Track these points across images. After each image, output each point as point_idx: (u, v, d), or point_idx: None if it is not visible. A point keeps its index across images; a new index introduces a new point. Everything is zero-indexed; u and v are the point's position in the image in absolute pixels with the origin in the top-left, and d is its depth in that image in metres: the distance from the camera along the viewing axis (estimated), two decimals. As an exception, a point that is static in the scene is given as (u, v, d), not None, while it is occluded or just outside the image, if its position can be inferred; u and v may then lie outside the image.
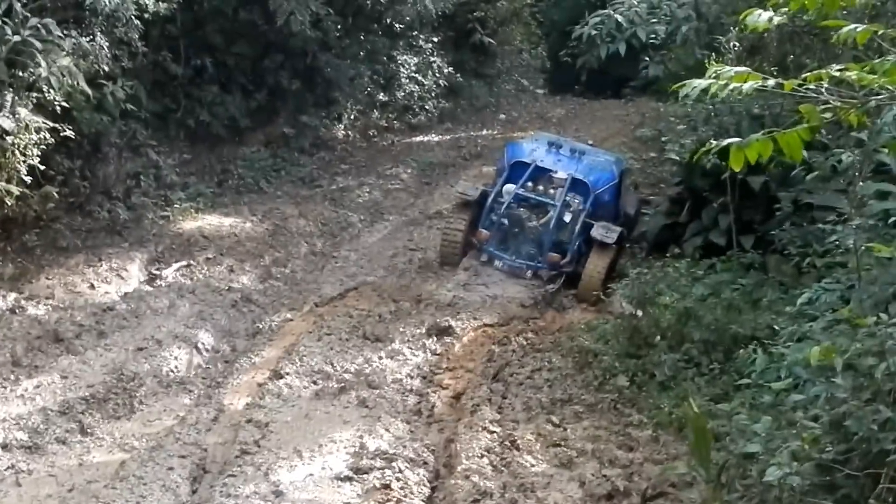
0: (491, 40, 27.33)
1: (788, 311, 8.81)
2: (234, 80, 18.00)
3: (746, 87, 4.76)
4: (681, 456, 8.03)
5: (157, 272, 13.37)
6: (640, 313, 10.52)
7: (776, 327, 8.95)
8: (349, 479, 8.20)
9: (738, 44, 15.26)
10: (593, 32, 15.65)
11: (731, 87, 4.77)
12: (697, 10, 15.16)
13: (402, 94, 23.73)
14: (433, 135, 23.72)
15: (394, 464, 8.36)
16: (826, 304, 7.92)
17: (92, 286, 12.50)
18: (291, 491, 8.00)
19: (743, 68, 4.83)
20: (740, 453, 6.24)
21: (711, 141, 4.95)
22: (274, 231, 15.42)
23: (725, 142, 4.72)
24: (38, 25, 11.50)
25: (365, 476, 8.20)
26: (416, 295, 12.89)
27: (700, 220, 13.03)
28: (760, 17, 5.14)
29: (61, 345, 10.89)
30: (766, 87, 4.82)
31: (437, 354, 11.09)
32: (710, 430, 6.89)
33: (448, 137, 23.56)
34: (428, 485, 8.28)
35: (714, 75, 4.87)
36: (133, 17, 13.49)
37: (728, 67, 4.84)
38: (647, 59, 18.09)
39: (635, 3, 15.67)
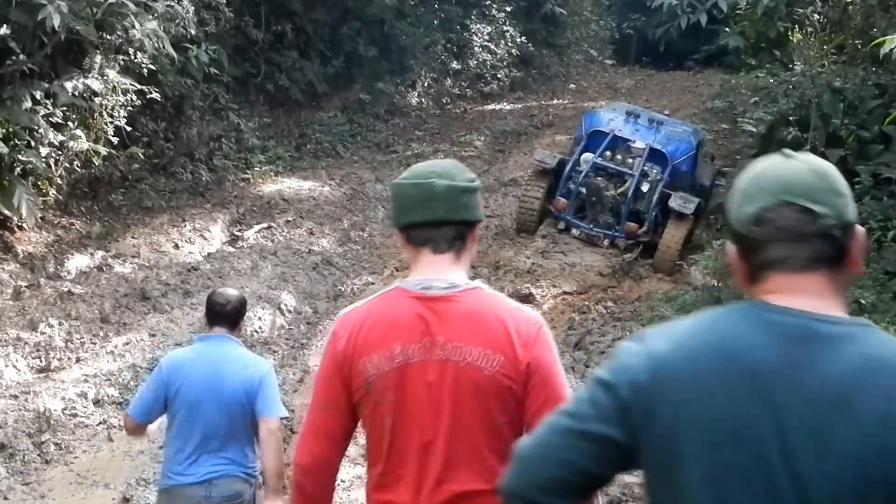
0: (562, 10, 27.26)
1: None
2: (313, 46, 18.16)
3: None
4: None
5: (239, 233, 13.47)
6: (720, 285, 10.41)
7: (862, 301, 8.90)
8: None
9: (819, 16, 15.07)
10: (674, 2, 15.47)
11: None
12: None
13: (475, 62, 23.85)
14: (505, 103, 23.71)
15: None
16: None
17: (176, 246, 12.57)
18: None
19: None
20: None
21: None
22: (352, 195, 15.46)
23: None
24: (132, -12, 11.57)
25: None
26: (495, 261, 12.81)
27: (777, 192, 12.85)
28: None
29: (148, 303, 10.93)
30: None
31: (519, 321, 10.95)
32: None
33: (519, 106, 23.50)
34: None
35: None
36: (223, -18, 13.65)
37: None
38: (727, 30, 17.92)
39: (716, -27, 15.47)
